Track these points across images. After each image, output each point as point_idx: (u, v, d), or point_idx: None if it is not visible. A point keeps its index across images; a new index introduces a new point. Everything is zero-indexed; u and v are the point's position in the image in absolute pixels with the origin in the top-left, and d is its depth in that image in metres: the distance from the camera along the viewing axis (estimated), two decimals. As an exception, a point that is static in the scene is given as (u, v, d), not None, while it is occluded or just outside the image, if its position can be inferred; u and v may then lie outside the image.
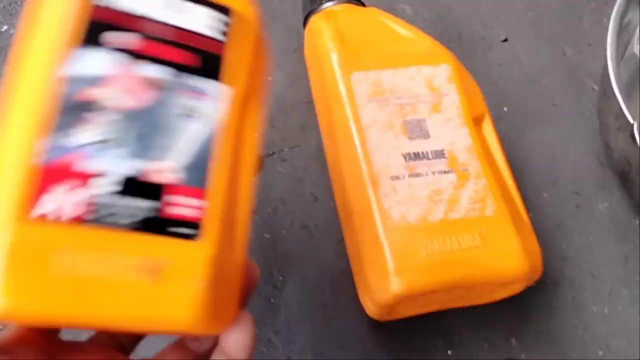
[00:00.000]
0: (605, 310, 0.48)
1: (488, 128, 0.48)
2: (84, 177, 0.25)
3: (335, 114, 0.47)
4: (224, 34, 0.30)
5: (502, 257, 0.41)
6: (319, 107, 0.51)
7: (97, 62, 0.26)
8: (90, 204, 0.25)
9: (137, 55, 0.27)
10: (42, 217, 0.24)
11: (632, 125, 0.45)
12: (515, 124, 0.56)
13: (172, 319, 0.26)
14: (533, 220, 0.50)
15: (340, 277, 0.48)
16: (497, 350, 0.46)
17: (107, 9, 0.27)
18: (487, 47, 0.60)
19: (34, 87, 0.26)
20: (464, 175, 0.44)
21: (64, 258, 0.24)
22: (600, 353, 0.47)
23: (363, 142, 0.44)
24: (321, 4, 0.52)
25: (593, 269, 0.50)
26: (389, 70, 0.47)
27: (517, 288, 0.44)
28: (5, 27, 0.58)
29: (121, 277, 0.25)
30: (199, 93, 0.28)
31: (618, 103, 0.47)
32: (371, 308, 0.43)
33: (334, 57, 0.48)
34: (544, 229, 0.51)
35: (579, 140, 0.56)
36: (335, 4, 0.52)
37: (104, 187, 0.25)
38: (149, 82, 0.27)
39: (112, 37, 0.27)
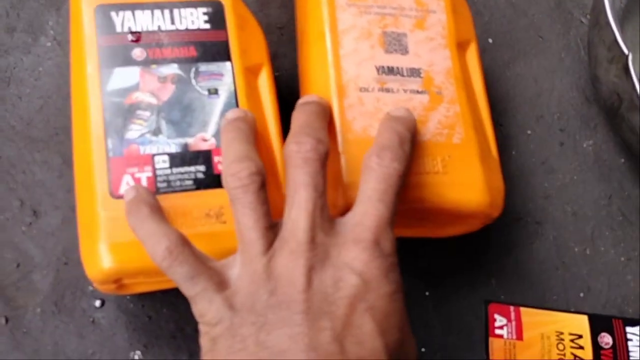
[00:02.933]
0: (587, 251, 0.47)
1: (472, 56, 0.45)
2: (147, 159, 0.36)
3: (311, 15, 0.43)
4: (223, 23, 0.40)
5: (462, 187, 0.38)
6: (298, 10, 0.47)
7: (128, 75, 0.37)
8: (157, 177, 0.35)
9: (152, 61, 0.38)
10: None
11: (626, 56, 0.43)
12: (499, 57, 0.53)
13: None
14: (516, 158, 0.48)
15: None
16: (476, 291, 0.44)
17: (120, 35, 0.38)
18: (471, -27, 0.57)
19: (95, 102, 0.36)
20: (437, 99, 0.41)
21: None
22: (581, 294, 0.45)
23: (335, 47, 0.41)
24: None
25: (576, 209, 0.48)
26: None
27: (474, 224, 0.42)
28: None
29: (196, 226, 0.34)
30: (217, 75, 0.38)
31: (612, 33, 0.44)
32: None
33: None
34: (527, 166, 0.49)
35: (565, 74, 0.53)
36: None
37: (162, 164, 0.36)
38: (167, 79, 0.38)
39: (133, 53, 0.38)
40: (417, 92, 0.41)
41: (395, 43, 0.42)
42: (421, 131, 0.40)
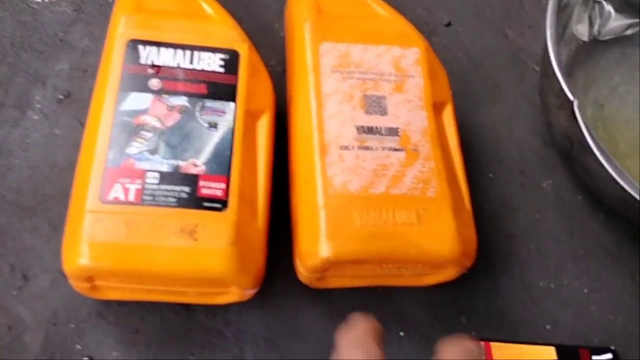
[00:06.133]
0: (552, 285, 0.49)
1: (448, 115, 0.49)
2: (140, 173, 0.40)
3: (298, 80, 0.47)
4: (236, 69, 0.45)
5: (435, 238, 0.41)
6: (288, 74, 0.51)
7: (142, 100, 0.43)
8: (145, 191, 0.39)
9: (165, 92, 0.43)
10: (116, 199, 0.39)
11: (572, 103, 0.46)
12: (460, 107, 0.56)
13: (208, 268, 0.38)
14: (480, 201, 0.51)
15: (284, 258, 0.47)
16: (447, 329, 0.46)
17: (143, 66, 0.44)
18: (430, 31, 0.61)
19: (107, 118, 0.42)
20: (413, 155, 0.44)
21: (131, 229, 0.38)
22: (548, 327, 0.48)
23: (320, 109, 0.45)
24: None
25: (539, 246, 0.51)
26: (359, 45, 0.48)
27: (450, 274, 0.45)
28: None
29: (169, 239, 0.38)
30: (220, 112, 0.43)
31: (558, 82, 0.48)
32: (302, 272, 0.44)
33: (307, 25, 0.48)
34: (490, 208, 0.52)
35: (523, 120, 0.57)
36: None
37: (152, 180, 0.40)
38: (174, 108, 0.43)
39: (150, 83, 0.43)
40: (395, 149, 0.44)
41: (375, 105, 0.46)
42: (397, 185, 0.43)
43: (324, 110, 0.45)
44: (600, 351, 0.47)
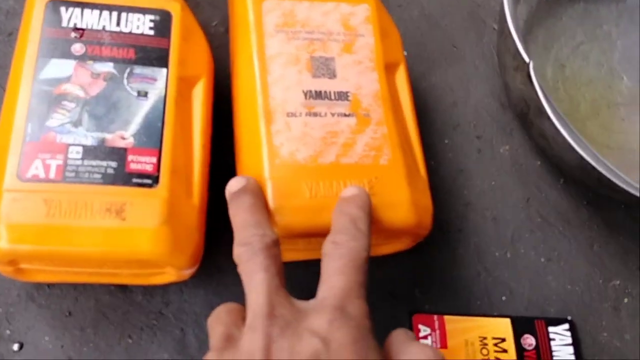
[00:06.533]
0: (508, 255, 0.48)
1: (401, 77, 0.46)
2: (61, 148, 0.37)
3: (240, 41, 0.44)
4: (168, 32, 0.42)
5: (389, 208, 0.39)
6: (230, 36, 0.48)
7: (63, 67, 0.39)
8: (67, 167, 0.36)
9: (89, 57, 0.40)
10: (35, 177, 0.36)
11: (527, 65, 0.44)
12: (415, 68, 0.54)
13: (137, 249, 0.35)
14: (435, 167, 0.49)
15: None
16: (401, 303, 0.45)
17: (65, 30, 0.40)
18: (385, -13, 0.57)
19: (25, 88, 0.38)
20: (364, 121, 0.42)
21: (52, 209, 0.35)
22: (504, 298, 0.46)
23: (263, 73, 0.42)
24: None
25: (495, 214, 0.49)
26: (305, 2, 0.45)
27: (405, 243, 0.43)
28: None
29: (95, 219, 0.35)
30: (151, 78, 0.40)
31: (514, 42, 0.45)
32: None
33: None
34: (446, 175, 0.50)
35: (480, 82, 0.54)
36: None
37: (75, 154, 0.37)
38: (99, 76, 0.39)
39: (73, 48, 0.40)
40: (345, 115, 0.41)
41: (323, 67, 0.43)
42: (348, 154, 0.40)
43: (269, 74, 0.42)
44: (557, 322, 0.46)
